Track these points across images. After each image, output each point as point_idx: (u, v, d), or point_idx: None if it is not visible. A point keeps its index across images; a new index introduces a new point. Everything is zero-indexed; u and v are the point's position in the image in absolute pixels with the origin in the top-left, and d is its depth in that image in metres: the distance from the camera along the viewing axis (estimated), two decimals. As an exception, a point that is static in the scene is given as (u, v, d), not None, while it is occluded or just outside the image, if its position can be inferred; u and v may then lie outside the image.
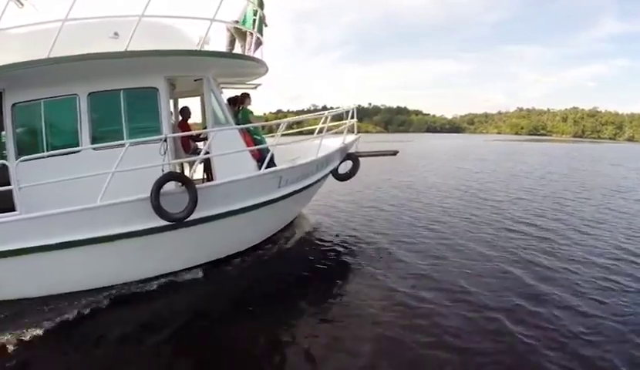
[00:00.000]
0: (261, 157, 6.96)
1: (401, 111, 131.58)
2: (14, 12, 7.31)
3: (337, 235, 9.13)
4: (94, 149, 6.03)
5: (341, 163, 9.90)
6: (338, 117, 9.39)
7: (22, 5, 7.40)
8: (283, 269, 7.24)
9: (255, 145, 7.16)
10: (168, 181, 5.71)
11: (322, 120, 8.54)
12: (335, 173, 9.90)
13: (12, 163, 5.55)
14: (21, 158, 5.60)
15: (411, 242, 8.44)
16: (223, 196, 6.41)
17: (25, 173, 5.52)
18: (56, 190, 5.56)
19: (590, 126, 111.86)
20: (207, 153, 6.49)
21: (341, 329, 5.14)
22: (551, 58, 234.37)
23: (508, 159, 30.92)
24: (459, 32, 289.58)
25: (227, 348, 4.81)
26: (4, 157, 6.06)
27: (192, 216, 5.95)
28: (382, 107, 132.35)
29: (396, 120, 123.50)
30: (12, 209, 5.52)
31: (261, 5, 7.68)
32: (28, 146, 6.08)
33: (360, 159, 10.05)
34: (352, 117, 9.32)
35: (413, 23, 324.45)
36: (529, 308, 5.51)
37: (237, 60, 7.35)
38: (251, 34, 7.60)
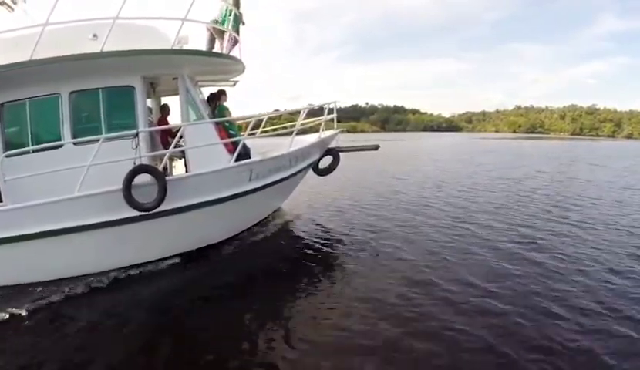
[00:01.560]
0: (239, 153, 7.22)
1: (398, 110, 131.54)
2: (4, 17, 7.73)
3: (314, 230, 9.38)
4: (74, 144, 6.41)
5: (321, 157, 10.23)
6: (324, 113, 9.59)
7: (13, 9, 7.79)
8: (258, 260, 7.52)
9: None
10: (138, 173, 6.07)
11: (300, 116, 8.83)
12: (315, 167, 10.25)
13: None
14: (7, 152, 6.04)
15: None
16: (193, 188, 6.74)
17: (12, 168, 5.97)
18: (41, 183, 5.95)
19: (588, 123, 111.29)
20: (177, 146, 6.85)
21: (314, 319, 5.32)
22: (551, 57, 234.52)
23: (465, 159, 27.97)
24: (460, 32, 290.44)
25: (197, 336, 5.01)
26: None
27: (163, 207, 6.31)
28: (379, 106, 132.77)
29: (393, 119, 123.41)
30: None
31: (236, 4, 8.01)
32: (15, 142, 6.45)
33: (341, 154, 10.41)
34: (331, 112, 9.55)
35: (413, 23, 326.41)
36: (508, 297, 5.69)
37: (212, 58, 7.68)
38: (229, 33, 7.94)
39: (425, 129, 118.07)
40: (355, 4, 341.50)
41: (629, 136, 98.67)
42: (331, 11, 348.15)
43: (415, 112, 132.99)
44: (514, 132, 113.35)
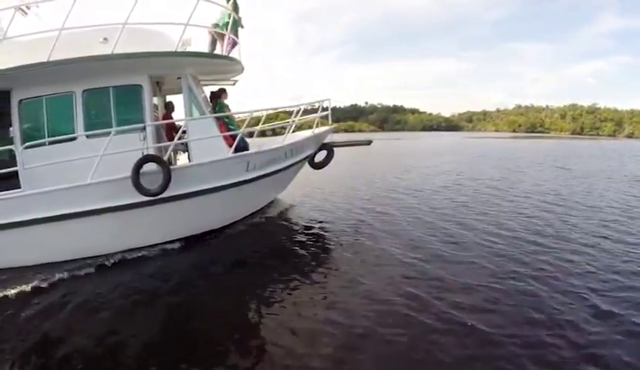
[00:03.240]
0: (237, 145, 7.90)
1: (397, 110, 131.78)
2: (18, 20, 8.34)
3: (310, 219, 9.94)
4: (87, 137, 7.07)
5: (316, 152, 10.86)
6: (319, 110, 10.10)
7: (26, 13, 8.39)
8: (256, 246, 8.01)
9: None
10: (145, 162, 6.76)
11: (295, 112, 9.44)
12: (310, 161, 10.88)
13: (19, 150, 6.67)
14: (25, 144, 6.72)
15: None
16: (194, 177, 7.42)
17: (30, 159, 6.65)
18: (56, 172, 6.61)
19: (589, 122, 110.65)
20: (181, 138, 7.53)
21: (307, 306, 5.52)
22: (552, 56, 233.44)
23: (401, 163, 24.16)
24: (460, 31, 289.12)
25: (194, 311, 5.54)
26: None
27: (168, 194, 6.98)
28: (379, 106, 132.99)
29: (392, 119, 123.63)
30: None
31: (235, 8, 8.64)
32: (32, 135, 7.10)
33: (335, 148, 11.02)
34: (326, 110, 10.04)
35: (413, 22, 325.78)
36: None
37: (212, 59, 8.31)
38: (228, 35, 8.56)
39: (424, 129, 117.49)
40: (355, 3, 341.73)
41: (630, 136, 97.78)
42: (331, 10, 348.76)
43: (414, 111, 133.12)
44: (514, 131, 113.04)
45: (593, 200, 12.48)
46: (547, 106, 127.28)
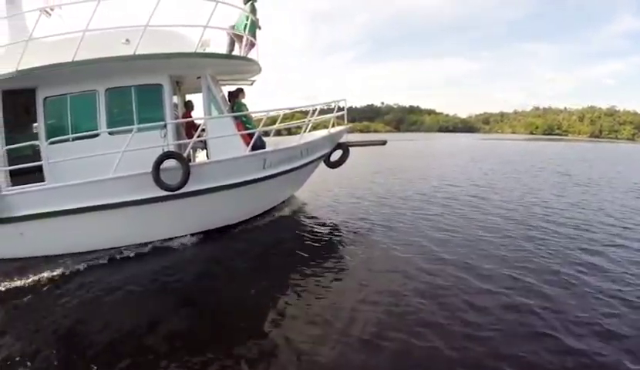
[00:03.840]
0: (254, 144, 8.08)
1: (413, 110, 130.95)
2: (42, 21, 8.62)
3: (324, 216, 10.03)
4: (110, 134, 7.30)
5: (332, 151, 10.97)
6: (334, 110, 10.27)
7: (50, 14, 8.66)
8: (271, 242, 8.14)
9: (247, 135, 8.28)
10: (166, 158, 7.00)
11: (311, 112, 9.62)
12: (326, 160, 11.00)
13: (43, 145, 6.97)
14: (50, 140, 7.00)
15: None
16: (212, 173, 7.62)
17: (54, 154, 6.95)
18: (79, 166, 6.86)
19: (607, 125, 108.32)
20: (200, 136, 7.77)
21: (319, 300, 5.57)
22: (568, 56, 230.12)
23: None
24: (472, 31, 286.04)
25: (207, 301, 5.66)
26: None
27: (186, 189, 7.20)
28: (395, 106, 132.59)
29: (408, 120, 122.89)
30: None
31: (253, 11, 8.80)
32: (56, 132, 7.33)
33: (350, 148, 11.12)
34: (341, 110, 10.19)
35: (428, 23, 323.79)
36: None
37: (231, 60, 8.50)
38: (245, 37, 8.72)
39: (440, 130, 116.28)
40: (367, 4, 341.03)
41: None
42: (345, 11, 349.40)
43: (430, 112, 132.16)
44: (531, 133, 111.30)
45: (585, 216, 10.17)
46: (565, 108, 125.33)
